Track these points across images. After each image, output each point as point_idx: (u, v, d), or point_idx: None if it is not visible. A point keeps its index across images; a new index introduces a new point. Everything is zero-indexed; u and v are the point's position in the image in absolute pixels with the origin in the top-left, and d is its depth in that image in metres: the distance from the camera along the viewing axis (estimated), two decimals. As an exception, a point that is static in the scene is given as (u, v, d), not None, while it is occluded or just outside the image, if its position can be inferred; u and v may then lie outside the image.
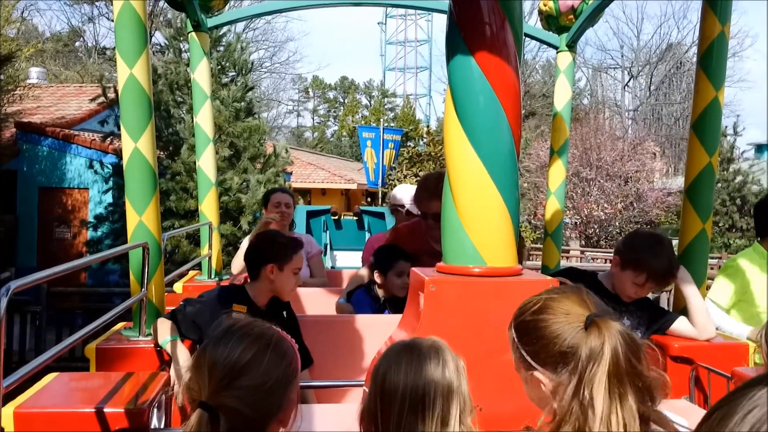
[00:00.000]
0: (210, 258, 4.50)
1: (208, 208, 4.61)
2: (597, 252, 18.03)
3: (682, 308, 3.10)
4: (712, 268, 12.85)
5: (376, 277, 3.42)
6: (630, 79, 43.86)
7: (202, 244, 4.66)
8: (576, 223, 21.77)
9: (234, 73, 11.07)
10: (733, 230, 20.08)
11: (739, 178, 20.59)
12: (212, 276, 4.45)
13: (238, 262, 4.01)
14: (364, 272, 3.62)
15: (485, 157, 2.19)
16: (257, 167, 10.65)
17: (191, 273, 4.67)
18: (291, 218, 4.48)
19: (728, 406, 0.64)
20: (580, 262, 16.35)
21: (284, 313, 2.90)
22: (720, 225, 20.06)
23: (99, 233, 11.09)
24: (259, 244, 2.88)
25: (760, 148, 29.07)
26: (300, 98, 58.35)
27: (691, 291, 2.82)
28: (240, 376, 1.34)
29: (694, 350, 2.72)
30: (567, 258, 17.10)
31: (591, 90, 45.11)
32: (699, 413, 2.29)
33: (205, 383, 1.35)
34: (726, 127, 22.32)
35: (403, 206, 4.49)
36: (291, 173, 15.63)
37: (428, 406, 1.42)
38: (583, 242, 21.51)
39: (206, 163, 4.59)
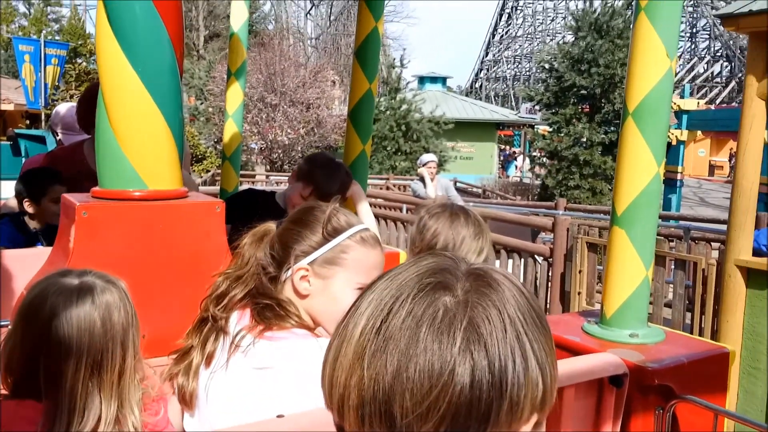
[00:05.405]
0: None
1: None
2: (281, 176, 18.60)
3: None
4: (381, 188, 14.22)
5: (27, 206, 3.02)
6: (312, 7, 45.08)
7: None
8: (261, 148, 22.10)
9: None
10: (399, 153, 22.39)
11: (404, 107, 22.87)
12: None
13: None
14: (13, 203, 3.17)
15: (143, 72, 2.03)
16: None
17: None
18: None
19: (359, 299, 0.71)
20: (265, 186, 16.72)
21: None
22: (388, 149, 22.19)
23: None
24: None
25: (422, 80, 32.61)
26: (-67, -2, 48.04)
27: (362, 206, 3.09)
28: None
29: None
30: (253, 182, 17.30)
31: (276, 15, 45.33)
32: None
33: None
34: (394, 59, 24.45)
35: (57, 133, 4.00)
36: (-77, 89, 12.88)
37: (107, 357, 1.29)
38: (268, 167, 21.98)
39: None
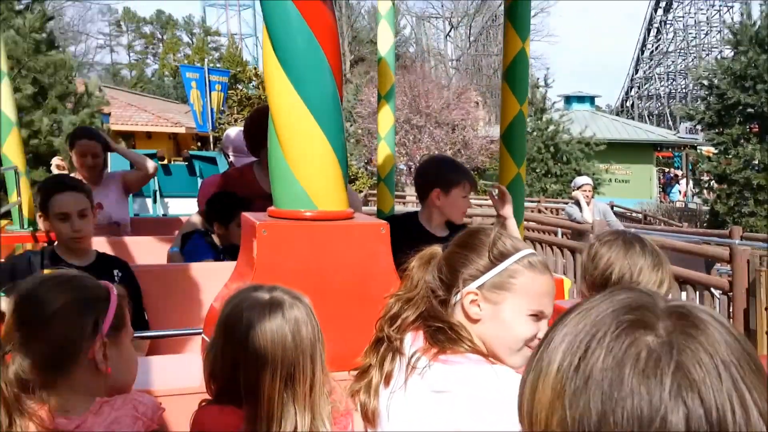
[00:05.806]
0: (20, 206, 4.08)
1: (12, 151, 4.15)
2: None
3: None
4: (532, 211, 13.89)
5: (216, 228, 3.30)
6: (451, 29, 45.28)
7: (9, 191, 4.21)
8: (410, 168, 22.46)
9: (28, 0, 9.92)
10: (549, 175, 21.81)
11: (551, 128, 22.29)
12: (25, 226, 4.04)
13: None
14: (197, 219, 3.46)
15: (308, 99, 2.12)
16: (68, 107, 9.74)
17: (1, 223, 4.23)
18: (101, 167, 4.14)
19: (550, 332, 0.69)
20: (417, 207, 16.81)
21: (115, 272, 2.71)
22: (537, 171, 21.69)
23: None
24: None
25: (568, 100, 31.68)
26: (112, 32, 53.79)
27: (512, 226, 3.05)
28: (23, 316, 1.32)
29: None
30: (404, 203, 17.35)
31: (416, 38, 46.11)
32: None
33: None
34: (538, 79, 23.97)
35: (228, 155, 4.31)
36: (109, 114, 14.37)
37: (299, 369, 1.37)
38: (418, 187, 22.17)
39: (4, 100, 4.10)
